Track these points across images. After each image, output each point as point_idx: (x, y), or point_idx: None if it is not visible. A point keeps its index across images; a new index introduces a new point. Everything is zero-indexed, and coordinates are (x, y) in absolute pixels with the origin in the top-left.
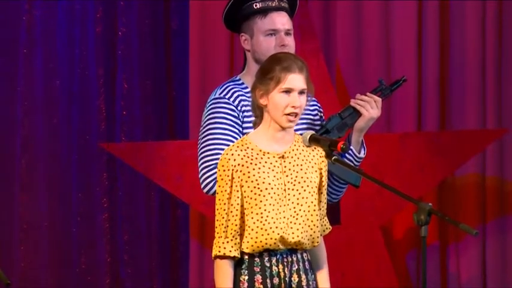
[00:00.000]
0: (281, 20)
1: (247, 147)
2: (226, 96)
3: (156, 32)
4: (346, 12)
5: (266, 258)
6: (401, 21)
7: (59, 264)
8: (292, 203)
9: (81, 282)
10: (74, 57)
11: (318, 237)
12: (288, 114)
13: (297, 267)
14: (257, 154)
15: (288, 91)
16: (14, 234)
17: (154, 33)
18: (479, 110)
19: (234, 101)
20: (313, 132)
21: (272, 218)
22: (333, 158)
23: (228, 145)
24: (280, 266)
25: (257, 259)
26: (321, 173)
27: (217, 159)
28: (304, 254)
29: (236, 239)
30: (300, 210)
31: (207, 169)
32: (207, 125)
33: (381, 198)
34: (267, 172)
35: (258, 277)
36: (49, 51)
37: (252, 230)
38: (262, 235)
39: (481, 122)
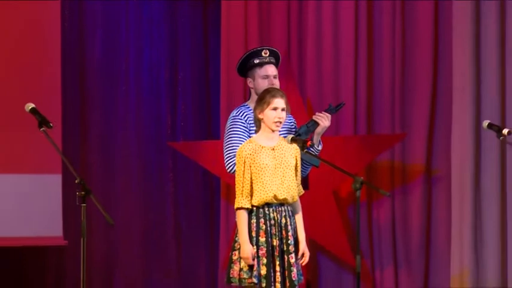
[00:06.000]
0: (271, 69)
1: (253, 143)
2: (239, 115)
3: (202, 75)
4: (313, 66)
5: (266, 209)
6: (346, 59)
7: (142, 220)
8: (280, 175)
9: (154, 230)
10: (153, 87)
11: (295, 195)
12: (275, 122)
13: (284, 213)
14: (258, 147)
15: (275, 109)
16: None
17: (201, 77)
18: (390, 117)
19: (244, 118)
20: (292, 135)
21: (269, 184)
22: (305, 151)
23: (241, 143)
24: (275, 214)
25: (261, 210)
26: (296, 159)
27: (234, 151)
28: (289, 207)
29: (248, 197)
30: (284, 179)
31: (228, 157)
32: (228, 132)
33: (332, 174)
34: (265, 158)
35: (261, 220)
36: (138, 85)
37: (257, 191)
38: (263, 194)
39: (391, 126)
